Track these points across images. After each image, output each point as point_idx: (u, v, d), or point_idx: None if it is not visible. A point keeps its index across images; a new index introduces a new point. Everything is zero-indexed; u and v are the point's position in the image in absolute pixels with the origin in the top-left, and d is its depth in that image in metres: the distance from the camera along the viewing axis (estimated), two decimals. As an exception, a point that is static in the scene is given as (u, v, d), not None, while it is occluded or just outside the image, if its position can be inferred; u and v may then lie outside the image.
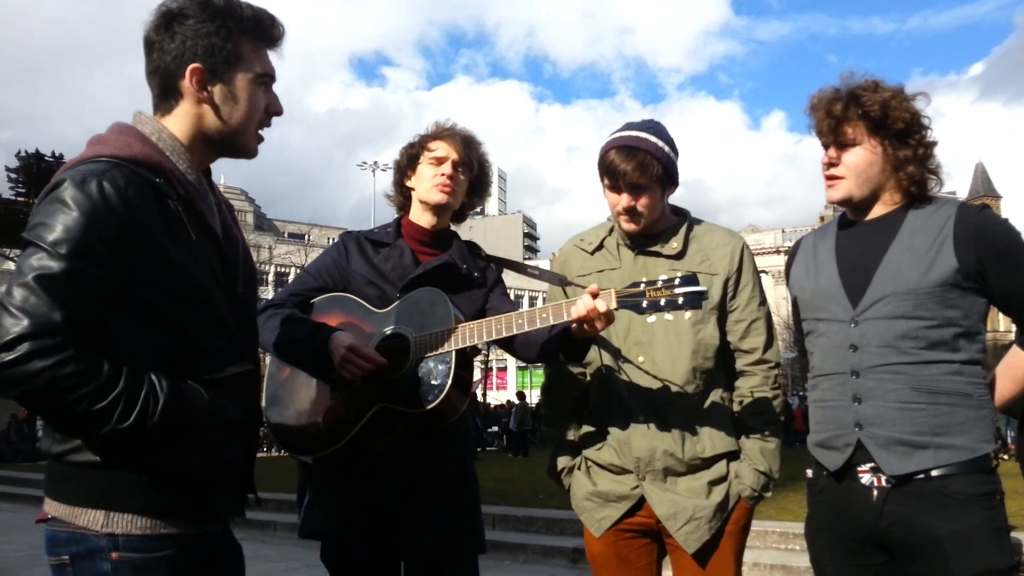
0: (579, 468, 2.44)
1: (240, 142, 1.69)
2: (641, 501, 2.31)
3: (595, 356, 2.38)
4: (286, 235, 70.00)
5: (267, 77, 1.69)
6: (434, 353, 2.25)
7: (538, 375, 42.59)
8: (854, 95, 2.02)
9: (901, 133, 2.00)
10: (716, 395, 2.36)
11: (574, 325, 2.10)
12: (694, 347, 2.31)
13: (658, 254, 2.37)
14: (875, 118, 1.99)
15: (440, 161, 2.50)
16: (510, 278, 2.74)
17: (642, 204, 2.30)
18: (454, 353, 2.23)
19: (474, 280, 2.53)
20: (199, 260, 1.57)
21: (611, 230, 2.46)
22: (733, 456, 2.35)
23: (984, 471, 1.91)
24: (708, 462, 2.31)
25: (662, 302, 1.97)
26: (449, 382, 2.21)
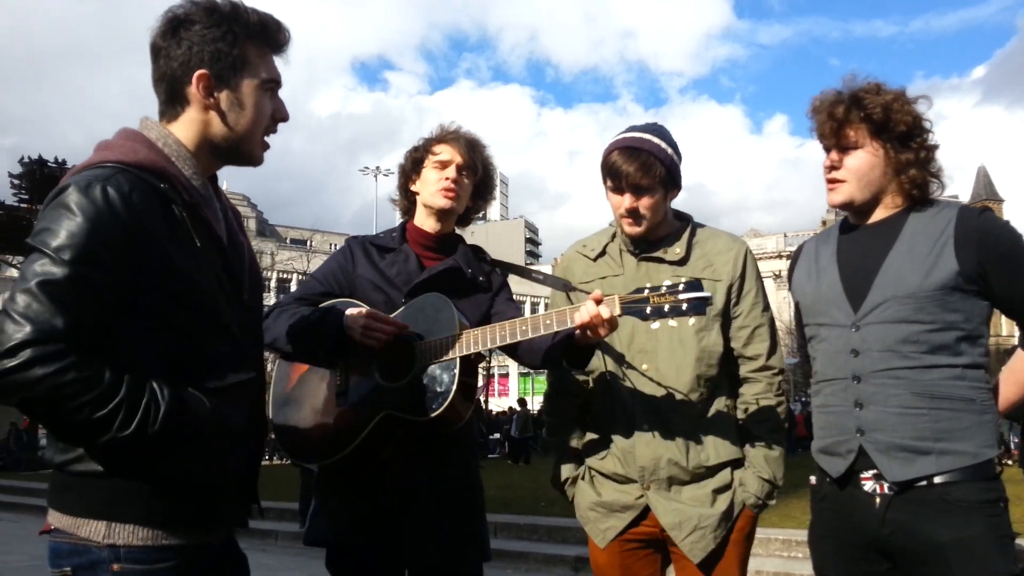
0: (583, 478, 2.42)
1: (246, 149, 1.69)
2: (646, 510, 2.30)
3: (598, 363, 2.36)
4: (288, 241, 70.11)
5: (273, 83, 1.69)
6: (439, 360, 2.24)
7: (540, 381, 42.47)
8: (856, 98, 2.01)
9: (903, 136, 2.00)
10: (720, 402, 2.34)
11: (578, 332, 2.09)
12: (698, 354, 2.29)
13: (661, 260, 2.36)
14: (877, 121, 1.99)
15: (444, 165, 2.49)
16: (513, 284, 2.74)
17: (644, 206, 2.29)
18: (459, 360, 2.23)
19: (479, 285, 2.52)
20: (203, 266, 1.56)
21: (613, 236, 2.45)
22: (737, 464, 2.33)
23: (987, 478, 1.89)
24: (712, 470, 2.30)
25: (666, 308, 1.95)
26: (454, 389, 2.21)
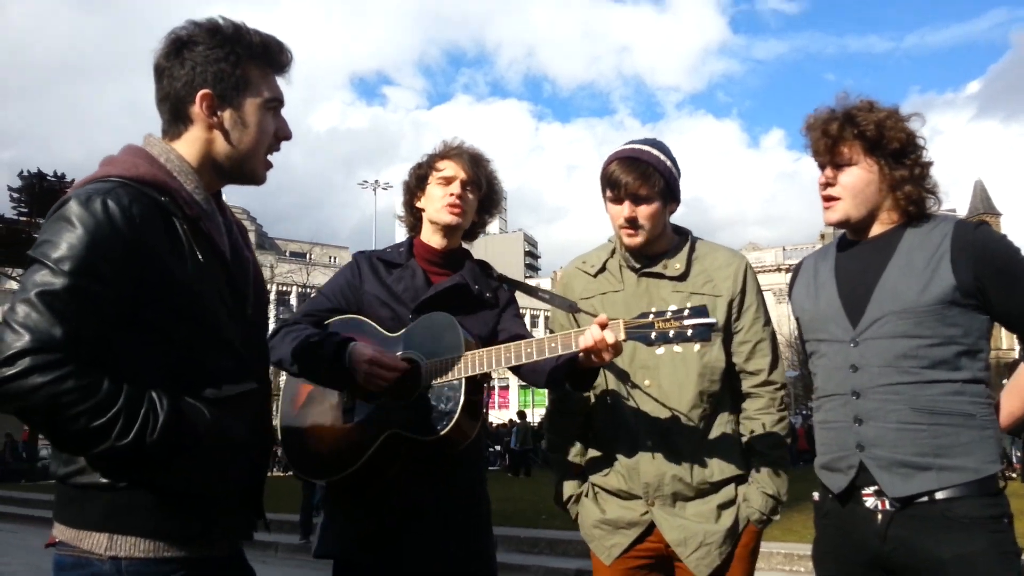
0: (586, 495, 2.42)
1: (249, 168, 1.70)
2: (650, 527, 2.29)
3: (600, 380, 2.36)
4: (288, 254, 70.06)
5: (276, 102, 1.71)
6: (444, 380, 2.25)
7: (540, 394, 42.40)
8: (849, 115, 2.02)
9: (897, 153, 2.01)
10: (723, 418, 2.34)
11: (581, 355, 2.09)
12: (700, 370, 2.29)
13: (661, 275, 2.36)
14: (871, 138, 2.00)
15: (448, 181, 2.50)
16: (517, 296, 2.74)
17: (643, 215, 2.29)
18: (464, 380, 2.23)
19: (485, 301, 2.52)
20: (205, 280, 1.57)
21: (613, 252, 2.45)
22: (741, 480, 2.33)
23: (990, 493, 1.89)
24: (716, 486, 2.29)
25: (671, 334, 1.95)
26: (459, 409, 2.21)
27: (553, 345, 2.11)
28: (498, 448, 27.47)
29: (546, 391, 2.61)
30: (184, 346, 1.54)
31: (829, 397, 2.07)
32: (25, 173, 28.81)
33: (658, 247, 2.38)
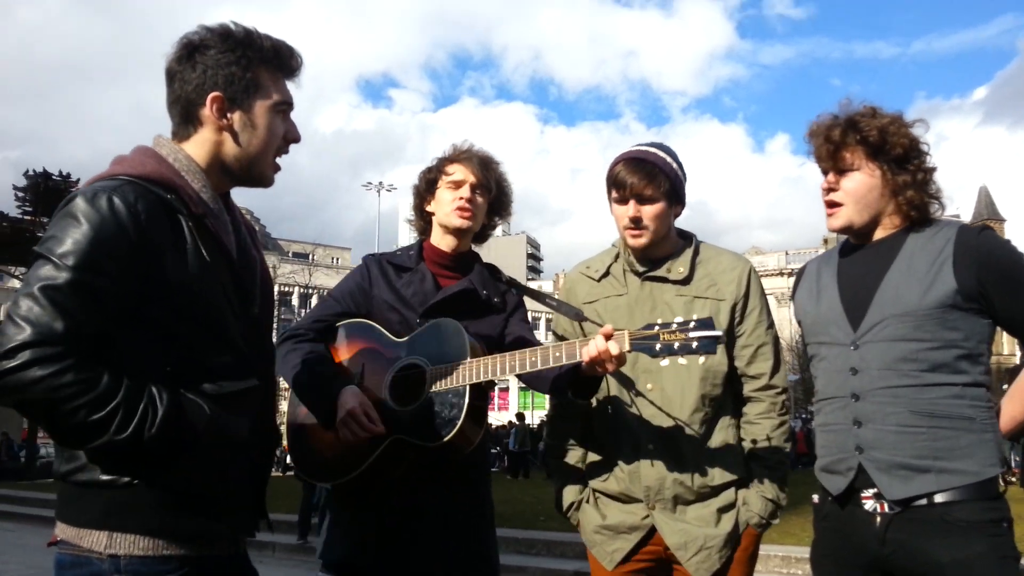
0: (587, 501, 2.42)
1: (258, 170, 1.72)
2: (651, 531, 2.29)
3: (602, 384, 2.35)
4: (290, 254, 70.10)
5: (285, 105, 1.72)
6: (449, 386, 2.25)
7: (539, 396, 42.30)
8: (852, 121, 2.03)
9: (900, 158, 2.01)
10: (725, 421, 2.34)
11: (585, 363, 2.09)
12: (703, 374, 2.29)
13: (665, 279, 2.36)
14: (873, 143, 2.00)
15: (458, 185, 2.50)
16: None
17: (648, 215, 2.29)
18: (468, 387, 2.24)
19: (493, 305, 2.53)
20: (210, 278, 1.57)
21: (616, 256, 2.46)
22: (741, 483, 2.33)
23: (990, 497, 1.89)
24: (717, 490, 2.29)
25: (676, 346, 1.95)
26: (463, 416, 2.21)
27: (557, 354, 2.12)
28: (497, 450, 27.46)
29: (549, 401, 2.61)
30: (186, 342, 1.54)
31: (829, 400, 2.07)
32: (30, 172, 28.84)
33: (662, 250, 2.38)
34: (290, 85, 1.75)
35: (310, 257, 68.00)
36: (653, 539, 2.29)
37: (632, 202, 2.29)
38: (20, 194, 28.84)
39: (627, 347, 2.02)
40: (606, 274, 2.45)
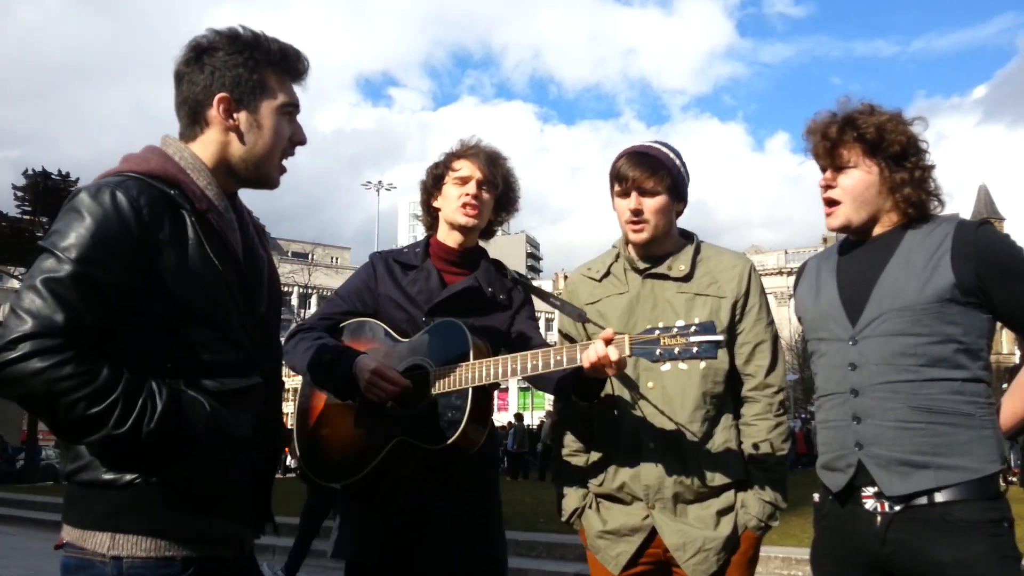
0: (589, 507, 2.41)
1: (263, 171, 1.72)
2: (652, 533, 2.29)
3: (605, 385, 2.34)
4: (290, 254, 70.08)
5: (292, 107, 1.73)
6: (453, 388, 2.25)
7: (539, 396, 42.31)
8: (850, 118, 2.03)
9: (897, 156, 2.01)
10: (726, 421, 2.34)
11: (587, 367, 2.08)
12: (704, 372, 2.29)
13: (665, 276, 2.36)
14: (871, 140, 2.00)
15: (464, 181, 2.50)
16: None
17: (649, 209, 2.29)
18: (471, 389, 2.23)
19: (499, 303, 2.53)
20: (213, 273, 1.58)
21: (617, 256, 2.46)
22: (741, 485, 2.32)
23: (990, 497, 1.88)
24: (717, 491, 2.29)
25: (676, 350, 1.94)
26: (465, 418, 2.21)
27: (559, 358, 2.12)
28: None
29: (545, 395, 2.61)
30: (188, 338, 1.54)
31: (829, 396, 2.07)
32: (30, 172, 28.78)
33: (663, 248, 2.38)
34: (297, 88, 1.76)
35: (309, 257, 68.01)
36: (654, 542, 2.29)
37: (634, 194, 2.29)
38: (19, 194, 28.80)
39: (627, 352, 2.01)
40: (607, 274, 2.45)
